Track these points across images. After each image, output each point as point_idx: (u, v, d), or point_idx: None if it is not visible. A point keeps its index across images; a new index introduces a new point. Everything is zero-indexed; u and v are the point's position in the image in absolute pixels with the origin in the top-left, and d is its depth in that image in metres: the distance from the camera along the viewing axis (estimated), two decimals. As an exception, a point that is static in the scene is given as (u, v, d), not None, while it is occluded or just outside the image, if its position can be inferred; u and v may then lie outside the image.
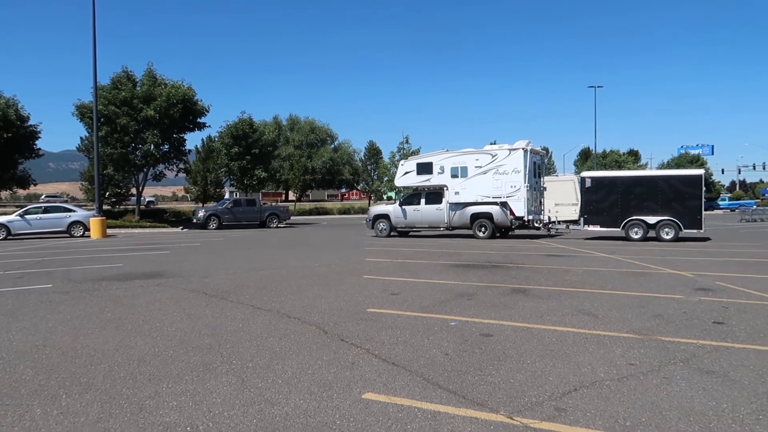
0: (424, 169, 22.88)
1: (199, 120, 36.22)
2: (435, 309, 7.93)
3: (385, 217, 23.74)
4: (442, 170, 22.47)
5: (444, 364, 5.40)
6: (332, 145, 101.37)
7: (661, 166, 72.42)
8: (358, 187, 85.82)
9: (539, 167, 22.97)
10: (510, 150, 21.41)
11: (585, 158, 77.58)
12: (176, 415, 4.22)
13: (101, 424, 4.09)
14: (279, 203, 47.45)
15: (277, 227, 34.84)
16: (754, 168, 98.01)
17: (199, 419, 4.14)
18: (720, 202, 69.71)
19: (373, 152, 67.58)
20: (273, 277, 11.46)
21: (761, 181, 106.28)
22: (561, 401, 4.39)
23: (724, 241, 19.86)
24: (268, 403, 4.44)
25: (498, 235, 21.85)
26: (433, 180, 22.73)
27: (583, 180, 20.57)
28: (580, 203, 20.73)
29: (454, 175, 22.20)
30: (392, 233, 23.82)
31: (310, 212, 57.57)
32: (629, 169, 68.47)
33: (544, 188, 23.53)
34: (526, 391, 4.63)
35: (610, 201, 19.73)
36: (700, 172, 19.33)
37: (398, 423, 4.02)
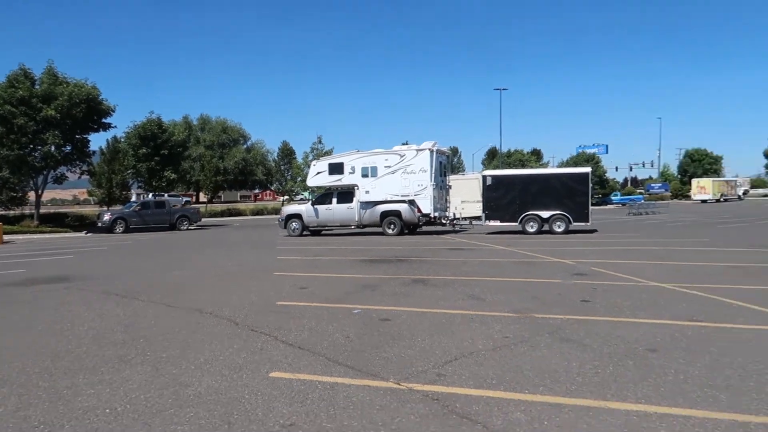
0: (336, 169, 23.46)
1: (104, 120, 34.87)
2: (341, 300, 8.55)
3: (298, 216, 24.09)
4: (353, 170, 23.14)
5: (345, 345, 6.02)
6: (245, 146, 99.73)
7: (561, 164, 77.09)
8: (272, 188, 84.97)
9: (445, 166, 24.16)
10: (417, 150, 22.43)
11: (492, 157, 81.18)
12: (95, 401, 4.57)
13: (21, 412, 4.38)
14: (190, 205, 46.32)
15: (188, 229, 34.15)
16: (644, 165, 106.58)
17: (117, 402, 4.52)
18: (613, 198, 75.02)
19: (287, 152, 67.38)
20: (185, 277, 11.64)
21: (650, 177, 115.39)
22: (442, 369, 5.13)
23: (609, 232, 21.85)
24: (182, 385, 4.88)
25: (406, 231, 22.80)
26: (345, 180, 23.35)
27: (484, 178, 21.95)
28: (482, 200, 22.04)
29: (364, 175, 22.94)
30: (304, 232, 24.21)
31: (222, 214, 56.46)
32: (532, 167, 72.46)
33: (450, 186, 24.75)
34: (414, 363, 5.34)
35: (509, 198, 21.19)
36: (587, 170, 21.20)
37: (300, 394, 4.59)
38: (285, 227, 24.39)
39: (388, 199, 22.63)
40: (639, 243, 16.96)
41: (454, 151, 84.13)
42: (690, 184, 78.53)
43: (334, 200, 23.60)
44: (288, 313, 7.72)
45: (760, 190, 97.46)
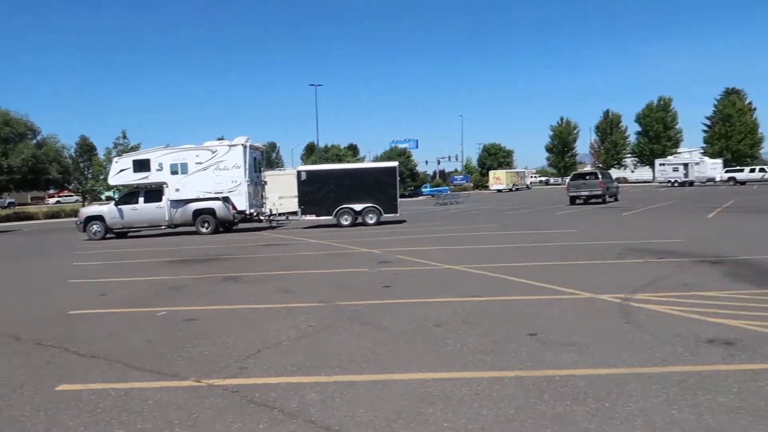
0: (142, 166, 22.01)
1: None
2: (144, 303, 8.17)
3: (99, 218, 22.15)
4: (161, 167, 21.89)
5: (145, 349, 5.82)
6: (34, 140, 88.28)
7: (376, 159, 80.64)
8: (70, 187, 76.51)
9: (260, 162, 23.95)
10: (230, 146, 21.94)
11: (310, 152, 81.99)
12: None
13: None
14: None
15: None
16: (449, 159, 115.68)
17: None
18: (423, 190, 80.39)
19: (87, 148, 61.42)
20: (-46, 293, 10.15)
21: (456, 170, 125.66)
22: (245, 362, 5.23)
23: (416, 222, 23.48)
24: (-54, 411, 4.35)
25: (222, 230, 22.23)
26: (152, 177, 22.02)
27: (298, 174, 22.23)
28: (297, 195, 22.29)
29: (174, 172, 21.84)
30: (108, 235, 22.38)
31: (7, 218, 49.65)
32: (348, 161, 74.64)
33: (266, 182, 24.63)
34: (217, 359, 5.36)
35: (324, 192, 21.73)
36: (395, 164, 22.57)
37: (90, 404, 4.37)
38: (85, 230, 22.28)
39: (201, 196, 21.84)
40: (439, 230, 18.51)
41: (272, 147, 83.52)
42: (488, 175, 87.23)
43: (141, 199, 22.13)
44: (83, 321, 7.19)
45: (542, 179, 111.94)
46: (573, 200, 32.09)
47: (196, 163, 21.80)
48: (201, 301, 8.21)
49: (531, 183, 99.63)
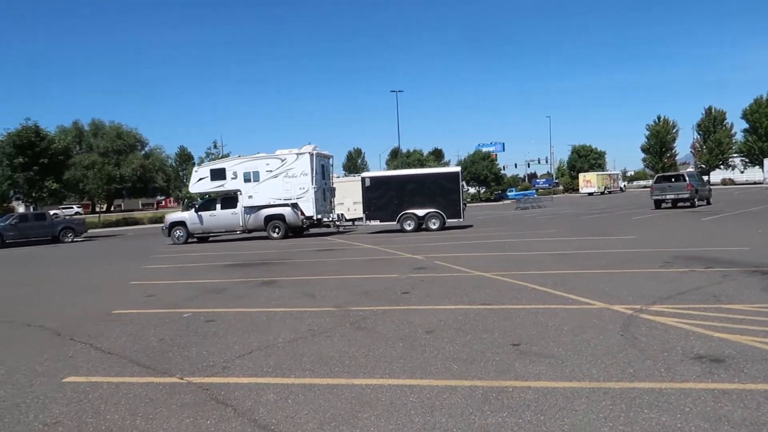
0: (218, 174, 23.39)
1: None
2: (180, 305, 8.81)
3: (182, 224, 23.80)
4: (235, 175, 23.17)
5: (155, 347, 6.33)
6: (143, 151, 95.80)
7: (459, 163, 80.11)
8: (172, 195, 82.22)
9: (327, 169, 24.67)
10: (298, 154, 22.82)
11: (395, 157, 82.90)
12: None
13: None
14: (74, 216, 44.08)
15: (72, 241, 32.62)
16: (539, 162, 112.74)
17: None
18: (509, 194, 78.88)
19: (185, 158, 65.63)
20: (31, 292, 11.40)
21: (548, 173, 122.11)
22: (232, 362, 5.59)
23: (481, 227, 23.24)
24: (-33, 396, 5.02)
25: (291, 234, 23.14)
26: (227, 185, 23.35)
27: (363, 180, 22.72)
28: (362, 201, 22.78)
29: (246, 180, 23.03)
30: (190, 240, 23.96)
31: (117, 223, 54.21)
32: (430, 166, 74.67)
33: (334, 188, 25.33)
34: (210, 358, 5.76)
35: (387, 198, 22.07)
36: (457, 169, 22.50)
37: (82, 394, 4.88)
38: (169, 235, 24.01)
39: (272, 203, 22.88)
40: (498, 236, 18.24)
41: (358, 153, 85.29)
42: (578, 178, 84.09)
43: (218, 206, 23.55)
44: (119, 320, 7.90)
45: (641, 182, 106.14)
46: (658, 204, 30.34)
47: (267, 171, 22.86)
48: (229, 303, 8.73)
49: (626, 186, 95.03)
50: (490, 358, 5.23)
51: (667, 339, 5.50)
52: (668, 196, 29.84)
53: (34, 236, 32.35)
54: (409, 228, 21.82)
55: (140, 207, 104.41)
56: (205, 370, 5.35)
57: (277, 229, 22.76)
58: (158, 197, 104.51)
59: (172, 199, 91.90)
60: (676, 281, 8.42)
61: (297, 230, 23.50)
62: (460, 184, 21.81)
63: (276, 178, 22.79)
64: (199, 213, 23.64)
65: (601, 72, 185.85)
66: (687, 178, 29.63)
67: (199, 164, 55.81)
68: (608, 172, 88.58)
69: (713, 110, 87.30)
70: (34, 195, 37.09)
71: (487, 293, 8.30)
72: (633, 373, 4.63)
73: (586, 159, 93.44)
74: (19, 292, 11.49)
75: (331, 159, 24.96)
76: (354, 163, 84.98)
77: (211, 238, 25.04)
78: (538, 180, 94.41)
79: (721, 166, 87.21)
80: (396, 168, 71.07)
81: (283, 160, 22.84)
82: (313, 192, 22.51)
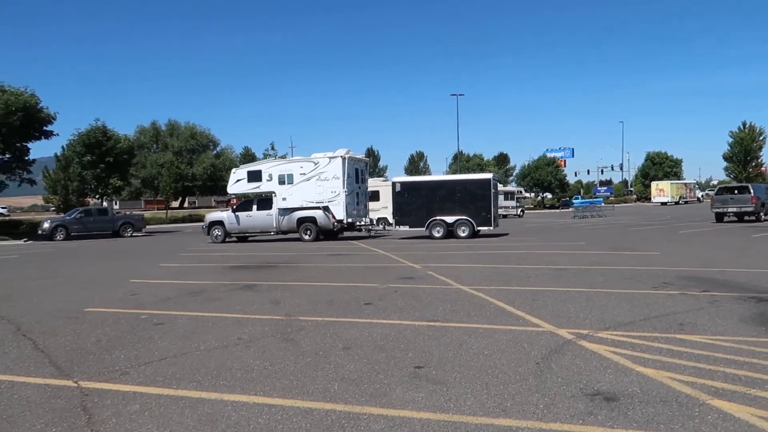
0: (254, 176, 23.95)
1: (45, 128, 35.12)
2: (150, 306, 9.02)
3: (220, 223, 24.51)
4: (270, 178, 23.64)
5: (85, 349, 6.49)
6: (214, 151, 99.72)
7: (524, 169, 78.25)
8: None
9: (362, 173, 24.70)
10: (330, 158, 22.99)
11: (467, 161, 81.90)
12: None
13: None
14: (134, 212, 46.45)
15: (131, 236, 34.44)
16: (612, 168, 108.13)
17: None
18: (574, 201, 76.27)
19: (248, 158, 67.81)
20: (33, 286, 12.02)
21: (625, 180, 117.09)
22: (136, 368, 5.63)
23: (517, 236, 22.52)
24: None
25: (323, 237, 23.33)
26: (263, 187, 23.85)
27: (393, 185, 22.58)
28: (392, 206, 22.64)
29: (281, 182, 23.44)
30: (229, 239, 24.64)
31: (183, 219, 56.72)
32: (491, 171, 73.27)
33: (369, 193, 25.33)
34: (121, 363, 5.83)
35: (417, 203, 21.80)
36: (489, 176, 21.88)
37: (-24, 392, 5.06)
38: (208, 234, 24.80)
39: (304, 205, 23.16)
40: (521, 247, 17.59)
41: (420, 156, 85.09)
42: (650, 186, 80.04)
43: (254, 207, 24.09)
44: (81, 319, 8.17)
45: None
46: (719, 217, 28.38)
47: (301, 174, 23.16)
48: (194, 306, 8.85)
49: (704, 196, 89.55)
50: (379, 380, 5.00)
51: (581, 370, 5.06)
52: (730, 209, 27.86)
53: (97, 230, 34.32)
54: (437, 235, 21.47)
55: (213, 204, 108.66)
56: (104, 375, 5.42)
57: (309, 232, 23.02)
58: (229, 195, 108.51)
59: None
60: (653, 305, 7.78)
61: (330, 233, 23.63)
62: (492, 191, 21.21)
63: (309, 181, 23.06)
64: (237, 213, 24.27)
65: (682, 76, 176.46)
66: (752, 190, 27.52)
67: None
68: (684, 181, 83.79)
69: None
70: (100, 191, 39.38)
71: (445, 308, 7.98)
72: (506, 407, 4.29)
73: (661, 167, 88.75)
74: (22, 286, 12.15)
75: (366, 163, 24.97)
76: (416, 167, 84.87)
77: (249, 239, 25.64)
78: (598, 188, 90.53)
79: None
80: (454, 172, 70.26)
81: (316, 164, 23.08)
82: (345, 196, 22.59)
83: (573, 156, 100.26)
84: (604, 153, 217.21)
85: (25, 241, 32.89)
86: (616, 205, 74.90)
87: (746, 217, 28.04)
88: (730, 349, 5.54)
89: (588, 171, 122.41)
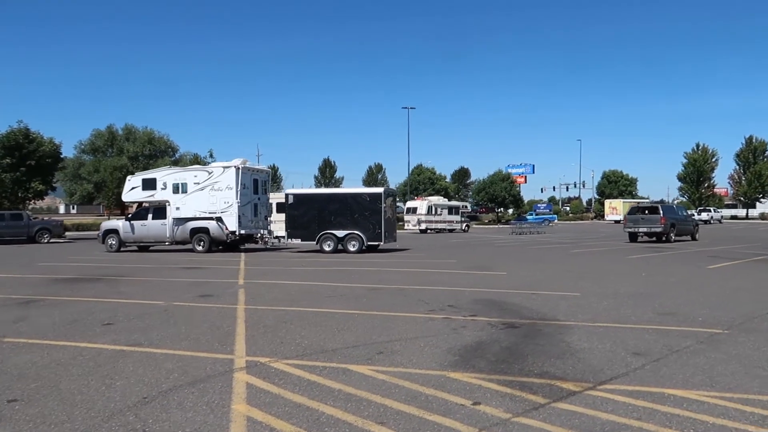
0: (149, 184, 23.27)
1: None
2: None
3: (115, 232, 23.70)
4: (165, 186, 22.97)
5: None
6: (173, 158, 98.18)
7: (478, 184, 78.51)
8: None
9: (264, 184, 24.15)
10: (224, 168, 22.46)
11: (416, 175, 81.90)
12: None
13: None
14: (52, 218, 45.24)
15: (48, 242, 33.38)
16: (575, 185, 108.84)
17: None
18: (528, 217, 76.68)
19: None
20: None
21: (584, 198, 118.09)
22: None
23: (414, 253, 22.07)
24: None
25: (221, 248, 22.74)
26: (157, 195, 23.16)
27: (286, 197, 22.12)
28: (285, 218, 22.13)
29: (175, 191, 22.79)
30: (128, 248, 23.86)
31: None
32: (442, 185, 73.52)
33: (271, 204, 24.80)
34: None
35: (309, 217, 21.33)
36: (380, 190, 21.55)
37: None
38: (103, 242, 23.96)
39: (198, 216, 22.54)
40: (386, 264, 17.06)
41: (378, 168, 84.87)
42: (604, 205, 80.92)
43: (150, 216, 23.37)
44: None
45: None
46: (632, 237, 28.44)
47: (195, 183, 22.56)
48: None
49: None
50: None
51: (182, 411, 4.58)
52: (641, 229, 27.95)
53: (9, 235, 33.17)
54: (327, 249, 21.01)
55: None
56: None
57: (202, 243, 22.38)
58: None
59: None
60: (393, 330, 7.36)
61: (225, 244, 22.97)
62: (382, 205, 20.85)
63: (203, 191, 22.47)
64: (132, 222, 23.53)
65: (641, 99, 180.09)
66: (662, 211, 27.65)
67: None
68: (636, 200, 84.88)
69: (754, 140, 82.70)
70: (19, 195, 38.16)
71: (178, 331, 7.48)
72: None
73: (616, 185, 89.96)
74: None
75: (266, 174, 24.43)
76: (374, 178, 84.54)
77: (151, 248, 24.80)
78: (538, 204, 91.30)
79: (762, 199, 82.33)
80: (406, 186, 70.19)
81: (210, 173, 22.53)
82: (237, 207, 22.04)
83: (533, 172, 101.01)
84: (568, 170, 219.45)
85: (-74, 246, 31.60)
86: (573, 222, 75.60)
87: (658, 238, 28.06)
88: (382, 384, 5.12)
89: (554, 187, 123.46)
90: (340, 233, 20.91)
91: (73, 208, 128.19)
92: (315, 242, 21.14)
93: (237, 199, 21.96)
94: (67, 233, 38.70)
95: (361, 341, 6.82)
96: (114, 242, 23.65)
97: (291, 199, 21.77)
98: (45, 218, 42.27)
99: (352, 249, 20.77)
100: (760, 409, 4.46)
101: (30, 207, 47.98)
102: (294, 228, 21.54)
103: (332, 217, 21.03)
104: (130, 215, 24.51)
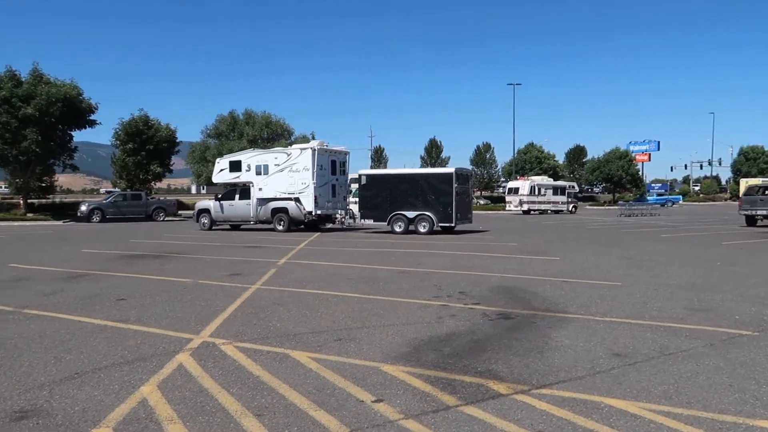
0: (235, 166, 24.41)
1: (89, 117, 37.82)
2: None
3: (207, 211, 25.24)
4: (249, 168, 23.99)
5: None
6: (288, 141, 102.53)
7: (592, 163, 74.09)
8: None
9: (343, 165, 24.37)
10: (301, 150, 22.96)
11: (524, 154, 79.06)
12: None
13: None
14: (167, 198, 48.96)
15: (164, 220, 36.39)
16: (710, 164, 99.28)
17: None
18: (649, 198, 71.28)
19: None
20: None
21: (716, 177, 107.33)
22: None
23: (489, 236, 21.32)
24: None
25: (301, 227, 23.44)
26: (242, 177, 24.25)
27: (359, 177, 22.14)
28: (358, 199, 22.22)
29: (258, 173, 23.73)
30: (219, 227, 25.34)
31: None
32: (550, 164, 70.15)
33: (350, 184, 25.00)
34: None
35: (382, 197, 21.26)
36: (451, 170, 20.86)
37: None
38: (197, 221, 25.62)
39: (278, 196, 23.32)
40: (446, 246, 16.58)
41: (487, 147, 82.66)
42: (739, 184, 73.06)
43: (237, 196, 24.57)
44: None
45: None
46: (750, 221, 25.39)
47: (275, 165, 23.32)
48: (-18, 293, 9.19)
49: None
50: None
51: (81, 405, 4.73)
52: (759, 212, 24.84)
53: (131, 214, 36.59)
54: (398, 230, 20.86)
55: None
56: None
57: (282, 222, 23.17)
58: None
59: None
60: (388, 315, 7.10)
61: (306, 224, 23.53)
62: (453, 186, 20.24)
63: (282, 173, 23.16)
64: (221, 202, 24.89)
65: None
66: (785, 191, 24.34)
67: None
68: (778, 179, 75.69)
69: None
70: (141, 177, 41.86)
71: (165, 309, 7.74)
72: None
73: (755, 162, 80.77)
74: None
75: (344, 155, 24.56)
76: (482, 158, 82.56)
77: (242, 227, 26.03)
78: (652, 185, 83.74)
79: None
80: (511, 165, 67.92)
81: (288, 155, 23.15)
82: (314, 188, 22.47)
83: (659, 149, 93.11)
84: (701, 147, 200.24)
85: (64, 222, 35.67)
86: (703, 203, 69.27)
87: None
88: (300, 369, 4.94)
89: (685, 166, 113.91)
90: (411, 214, 20.66)
91: (203, 188, 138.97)
92: (386, 223, 21.07)
93: (313, 180, 22.39)
94: (182, 212, 42.07)
95: (331, 327, 6.64)
96: (206, 221, 25.19)
97: (363, 180, 21.83)
98: (160, 198, 45.99)
99: (422, 230, 20.46)
100: (695, 428, 3.72)
101: (156, 187, 52.73)
102: (366, 208, 21.62)
103: (403, 197, 20.82)
104: (220, 195, 25.88)
